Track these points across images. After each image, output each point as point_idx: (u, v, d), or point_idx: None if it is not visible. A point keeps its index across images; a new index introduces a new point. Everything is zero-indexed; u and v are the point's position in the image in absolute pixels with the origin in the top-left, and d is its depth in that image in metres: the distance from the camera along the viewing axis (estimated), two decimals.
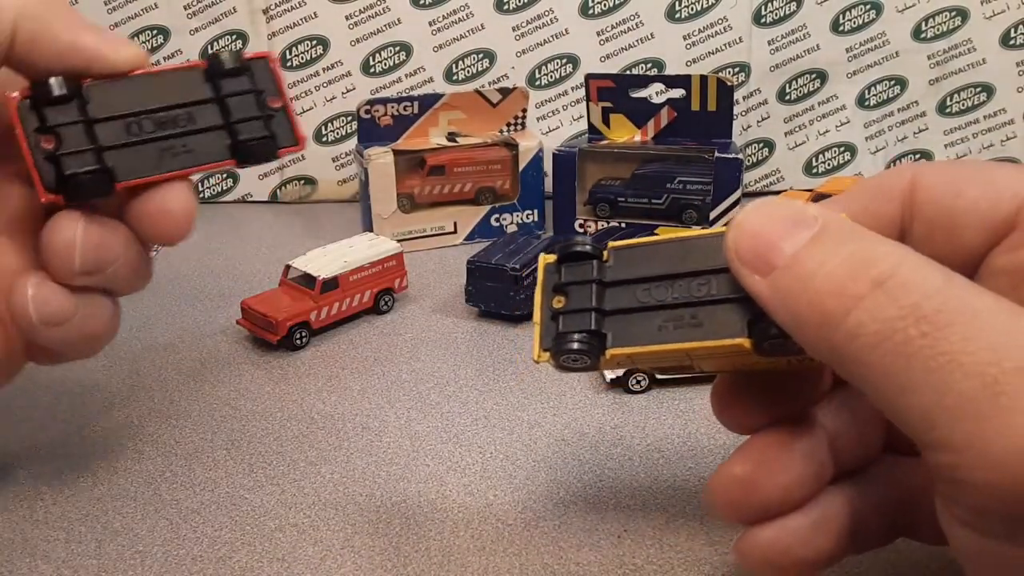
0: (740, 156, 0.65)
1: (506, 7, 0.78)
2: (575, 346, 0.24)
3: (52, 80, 0.27)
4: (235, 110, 0.30)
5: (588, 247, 0.25)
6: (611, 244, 0.25)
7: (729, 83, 0.66)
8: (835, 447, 0.25)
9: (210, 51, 0.34)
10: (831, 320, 0.19)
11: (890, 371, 0.18)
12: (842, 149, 0.82)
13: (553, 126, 0.81)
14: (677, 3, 0.78)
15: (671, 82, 0.69)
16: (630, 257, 0.25)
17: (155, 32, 0.78)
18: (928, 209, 0.24)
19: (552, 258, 0.26)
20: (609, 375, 0.44)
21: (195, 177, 0.31)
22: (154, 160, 0.29)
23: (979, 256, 0.24)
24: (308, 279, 0.53)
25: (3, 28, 0.26)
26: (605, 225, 0.68)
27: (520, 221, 0.72)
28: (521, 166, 0.70)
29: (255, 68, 0.31)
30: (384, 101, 0.69)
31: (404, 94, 0.77)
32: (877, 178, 0.26)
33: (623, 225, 0.66)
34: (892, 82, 0.80)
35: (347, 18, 0.78)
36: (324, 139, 0.81)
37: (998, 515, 0.18)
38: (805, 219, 0.21)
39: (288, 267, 0.55)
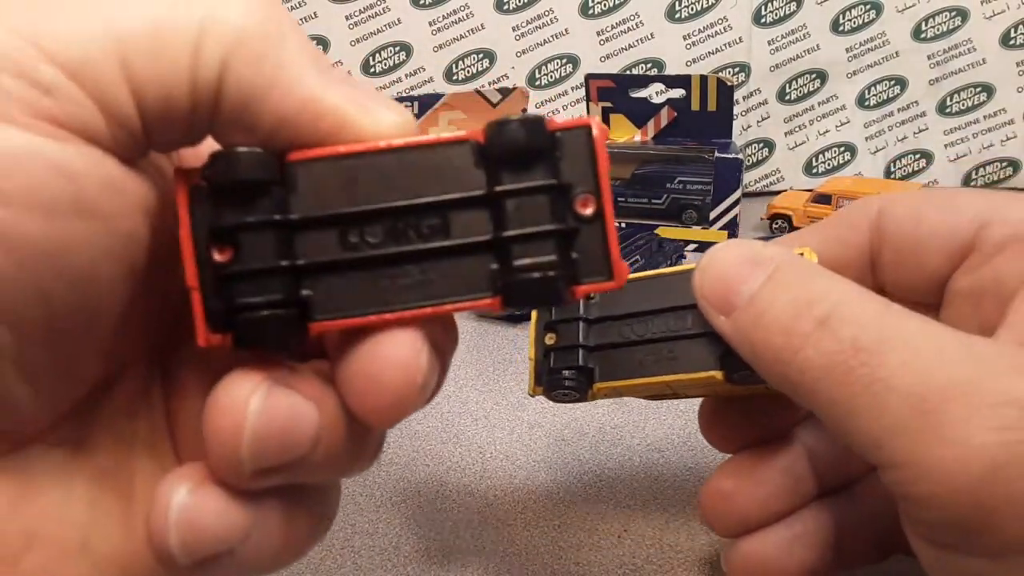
0: (740, 156, 0.65)
1: (506, 7, 0.78)
2: (566, 383, 0.26)
3: (242, 153, 0.17)
4: (514, 217, 0.18)
5: None
6: None
7: (729, 83, 0.66)
8: (815, 464, 0.26)
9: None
10: (783, 357, 0.21)
11: (837, 399, 0.20)
12: (842, 149, 0.82)
13: None
14: (677, 3, 0.78)
15: (671, 82, 0.69)
16: (614, 294, 0.27)
17: None
18: (894, 237, 0.25)
19: None
20: None
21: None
22: (370, 290, 0.18)
23: (944, 279, 0.25)
24: None
25: (206, 72, 0.16)
26: None
27: None
28: None
29: (564, 146, 0.18)
30: None
31: (404, 94, 0.78)
32: (847, 209, 0.27)
33: (623, 225, 0.66)
34: (892, 82, 0.80)
35: (347, 18, 0.78)
36: None
37: (947, 526, 0.19)
38: (763, 260, 0.22)
39: None
